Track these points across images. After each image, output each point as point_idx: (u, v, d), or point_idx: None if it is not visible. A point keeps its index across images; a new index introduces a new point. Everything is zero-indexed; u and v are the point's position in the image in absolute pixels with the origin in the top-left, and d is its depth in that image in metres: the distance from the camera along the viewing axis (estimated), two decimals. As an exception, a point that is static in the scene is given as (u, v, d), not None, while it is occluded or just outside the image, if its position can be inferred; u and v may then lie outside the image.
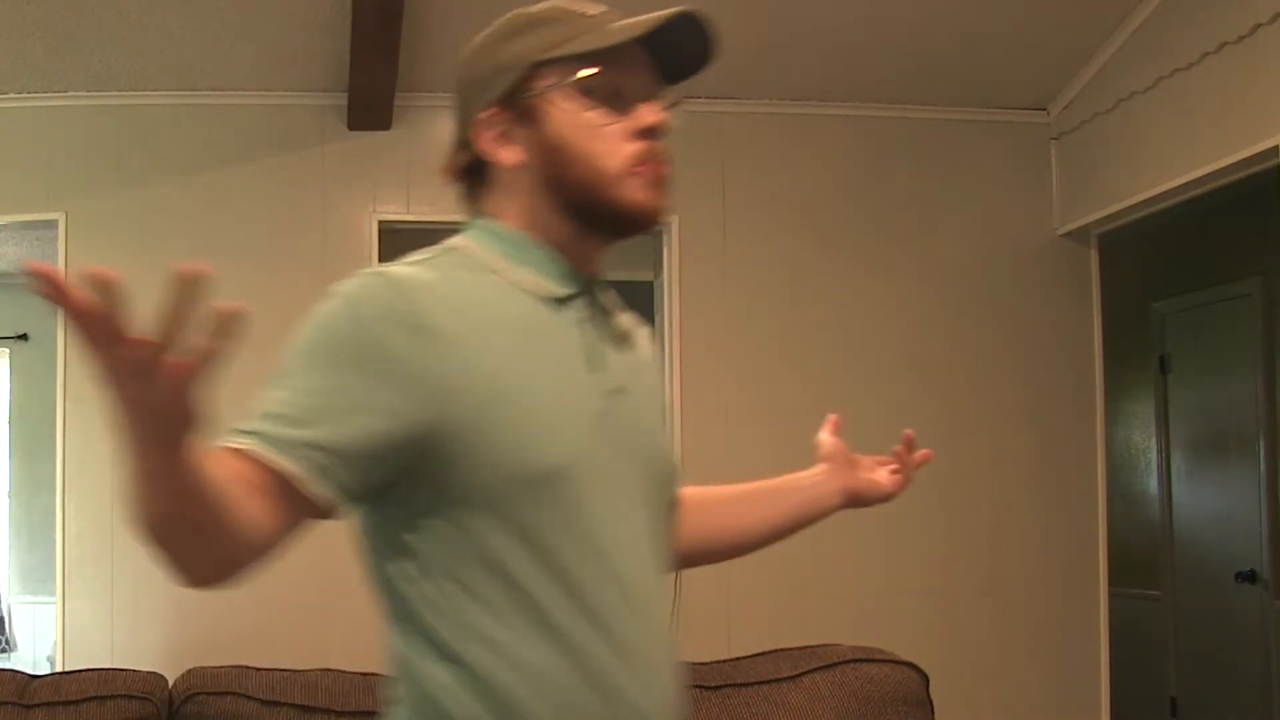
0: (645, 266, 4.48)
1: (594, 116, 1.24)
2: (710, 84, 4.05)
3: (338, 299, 1.27)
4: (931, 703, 2.65)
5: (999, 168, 4.22)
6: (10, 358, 6.70)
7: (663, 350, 4.17)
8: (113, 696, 2.31)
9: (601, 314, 1.30)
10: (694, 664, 2.68)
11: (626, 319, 1.39)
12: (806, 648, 2.72)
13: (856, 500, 1.66)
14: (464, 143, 1.34)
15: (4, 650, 6.22)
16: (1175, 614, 5.55)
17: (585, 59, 1.23)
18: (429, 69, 3.88)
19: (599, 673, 1.18)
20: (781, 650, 2.72)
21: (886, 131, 4.19)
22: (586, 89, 1.24)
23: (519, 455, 1.17)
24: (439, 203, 4.03)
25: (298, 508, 1.18)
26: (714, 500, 1.58)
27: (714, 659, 2.71)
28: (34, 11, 3.44)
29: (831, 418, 1.59)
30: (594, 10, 1.28)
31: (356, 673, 2.68)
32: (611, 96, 1.25)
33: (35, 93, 3.85)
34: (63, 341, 3.85)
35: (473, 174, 1.36)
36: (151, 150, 3.92)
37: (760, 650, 2.75)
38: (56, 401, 3.84)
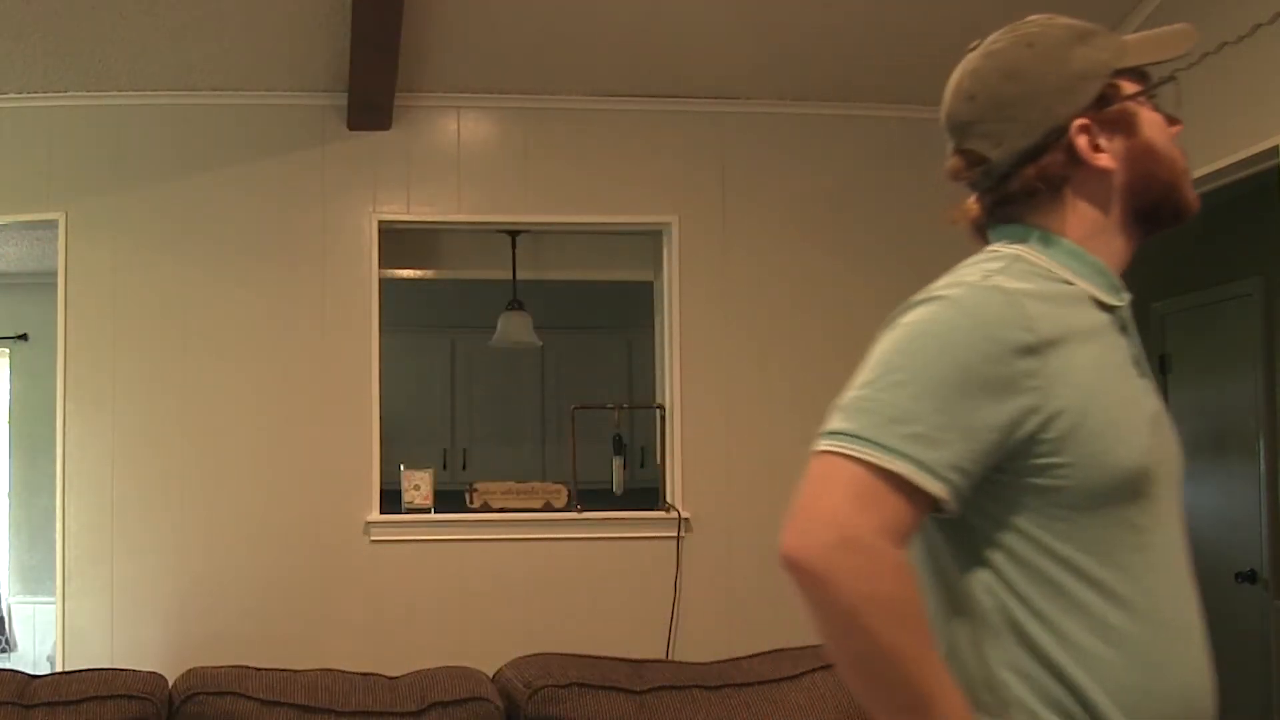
0: (645, 266, 4.48)
1: (1164, 121, 1.43)
2: (710, 84, 4.06)
3: (956, 311, 1.30)
4: (931, 703, 2.65)
5: (999, 168, 4.22)
6: (10, 358, 6.70)
7: (663, 350, 4.17)
8: (113, 696, 2.31)
9: (1131, 322, 1.37)
10: (694, 664, 2.68)
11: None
12: (806, 648, 2.72)
13: None
14: (1031, 151, 1.38)
15: (4, 650, 6.22)
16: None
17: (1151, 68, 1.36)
18: (429, 69, 3.88)
19: (1167, 673, 1.25)
20: (781, 650, 2.72)
21: (886, 131, 4.19)
22: (1154, 96, 1.40)
23: (1114, 456, 1.24)
24: (439, 203, 4.03)
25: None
26: None
27: (714, 659, 2.71)
28: (34, 11, 3.44)
29: None
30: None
31: (356, 673, 2.68)
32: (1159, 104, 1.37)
33: (35, 93, 3.85)
34: (63, 341, 3.85)
35: (1036, 184, 1.38)
36: (151, 150, 3.92)
37: (760, 650, 2.75)
38: (56, 401, 3.84)
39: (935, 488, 1.18)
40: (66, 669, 2.79)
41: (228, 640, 3.65)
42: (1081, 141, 1.34)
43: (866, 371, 1.32)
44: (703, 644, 3.79)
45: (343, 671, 2.59)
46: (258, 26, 3.62)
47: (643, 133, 4.10)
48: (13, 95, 3.85)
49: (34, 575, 6.47)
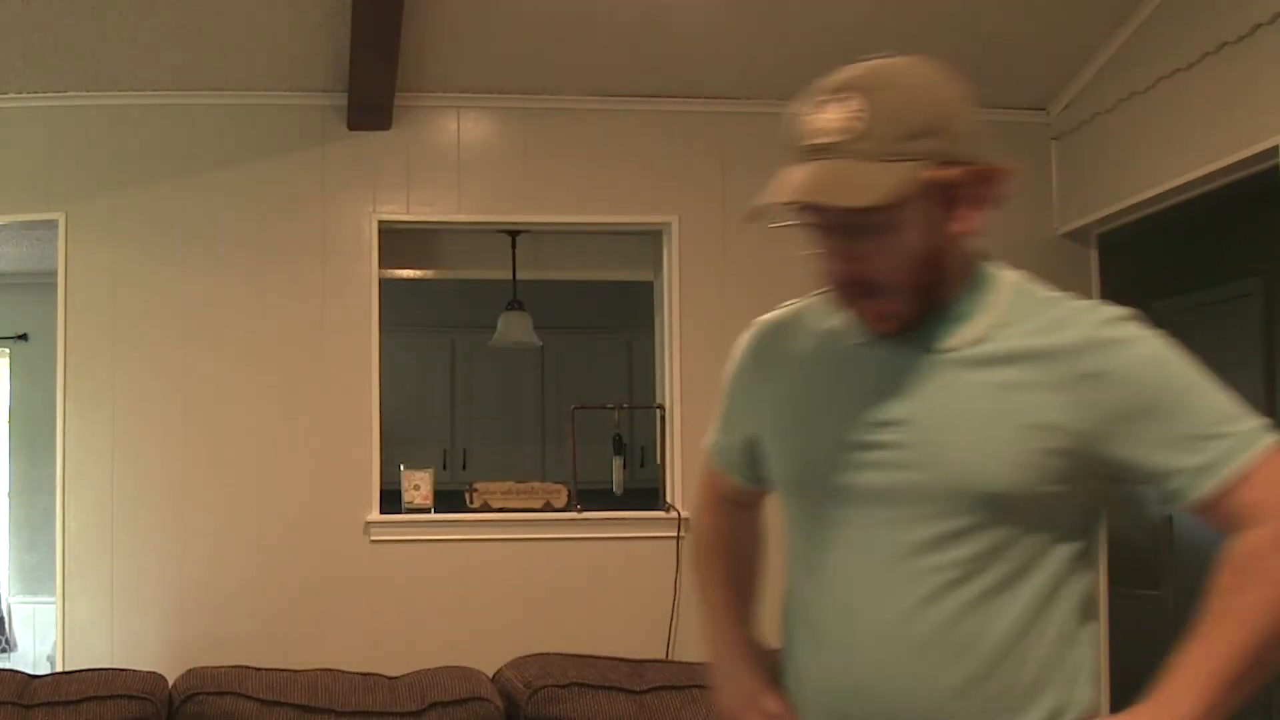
0: (645, 266, 4.48)
1: (814, 245, 1.44)
2: (710, 84, 4.05)
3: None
4: (931, 703, 2.65)
5: (999, 168, 4.22)
6: (10, 358, 6.71)
7: (663, 350, 4.17)
8: (113, 696, 2.31)
9: (906, 354, 1.41)
10: (694, 664, 2.68)
11: (992, 346, 1.40)
12: (806, 648, 2.71)
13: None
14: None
15: (4, 650, 6.22)
16: (1175, 614, 5.55)
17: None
18: (429, 69, 3.88)
19: (792, 646, 1.52)
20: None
21: (886, 131, 4.19)
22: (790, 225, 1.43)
23: (778, 461, 1.52)
24: (439, 203, 4.03)
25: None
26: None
27: (714, 659, 2.70)
28: (34, 11, 3.44)
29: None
30: (802, 128, 1.38)
31: (356, 673, 2.68)
32: (810, 231, 1.42)
33: (35, 93, 3.85)
34: (63, 341, 3.85)
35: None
36: (151, 150, 3.92)
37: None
38: (56, 401, 3.84)
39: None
40: (66, 669, 2.80)
41: (228, 640, 3.65)
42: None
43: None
44: (703, 644, 3.78)
45: (343, 671, 2.59)
46: (258, 26, 3.62)
47: (643, 133, 4.10)
48: (13, 95, 3.85)
49: (34, 575, 6.46)
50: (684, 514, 3.98)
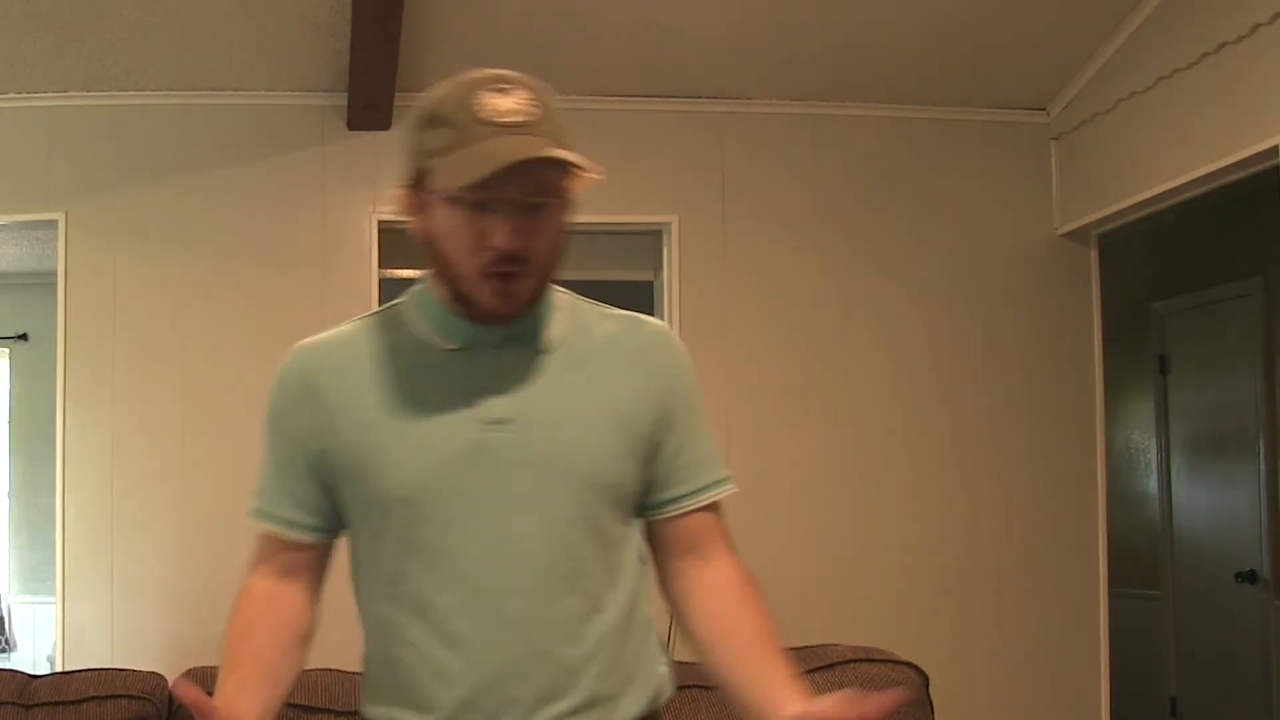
0: (645, 266, 4.48)
1: (457, 223, 1.43)
2: (710, 84, 4.05)
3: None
4: (931, 703, 2.65)
5: (999, 168, 4.22)
6: (10, 358, 6.70)
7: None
8: (113, 696, 2.31)
9: (508, 354, 1.48)
10: (694, 664, 2.68)
11: (578, 345, 1.53)
12: (806, 648, 2.72)
13: None
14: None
15: (4, 650, 6.22)
16: (1175, 614, 5.55)
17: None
18: (429, 69, 3.88)
19: (422, 661, 1.47)
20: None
21: (887, 131, 4.19)
22: (453, 199, 1.42)
23: (376, 486, 1.46)
24: (439, 203, 4.03)
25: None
26: (731, 627, 1.60)
27: (714, 659, 2.70)
28: (34, 11, 3.45)
29: (882, 699, 1.50)
30: (487, 109, 1.41)
31: (356, 673, 2.68)
32: (477, 208, 1.41)
33: (35, 93, 3.85)
34: (63, 341, 3.85)
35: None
36: (151, 150, 3.92)
37: (760, 650, 2.74)
38: (56, 401, 3.84)
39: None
40: (66, 669, 2.79)
41: (228, 640, 3.64)
42: (398, 203, 1.57)
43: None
44: (703, 644, 3.78)
45: (342, 671, 2.58)
46: (258, 26, 3.62)
47: (643, 133, 4.10)
48: (13, 95, 3.85)
49: (34, 575, 6.46)
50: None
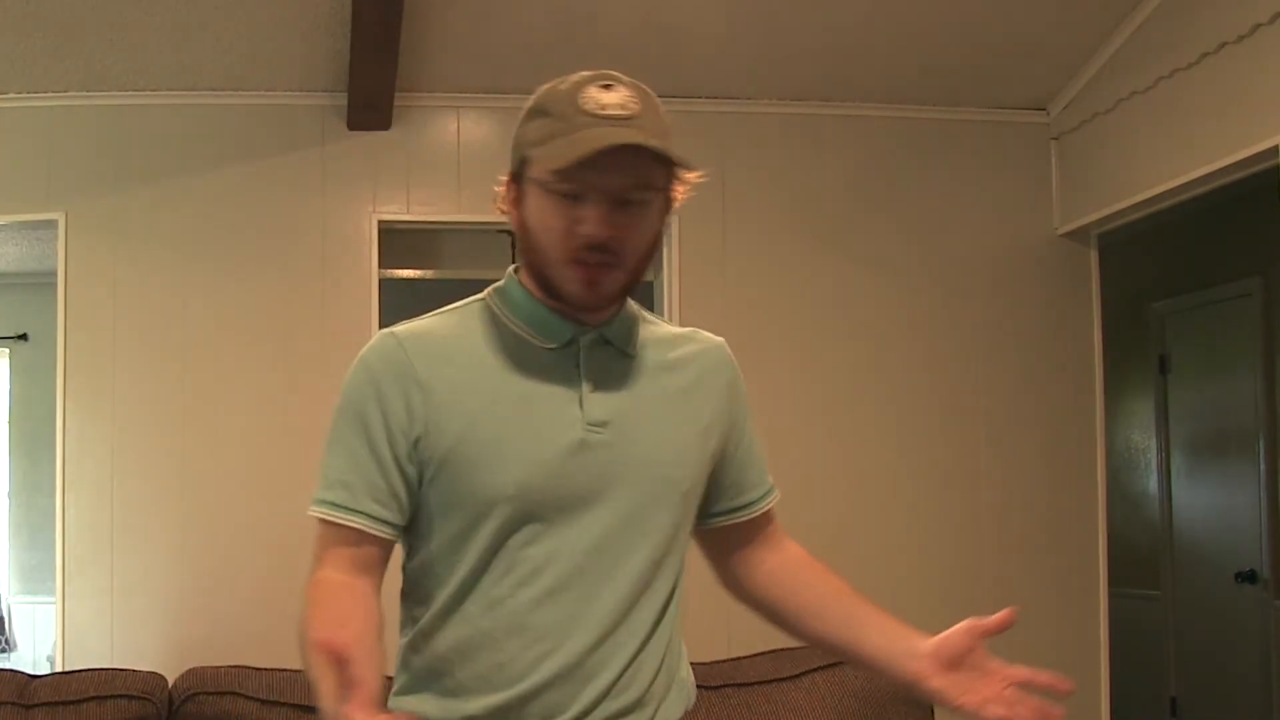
0: (645, 266, 4.49)
1: (551, 211, 1.42)
2: (710, 84, 4.05)
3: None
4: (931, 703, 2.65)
5: (999, 168, 4.22)
6: (10, 358, 6.70)
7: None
8: (113, 696, 2.31)
9: (603, 356, 1.50)
10: (694, 664, 2.68)
11: (659, 354, 1.57)
12: (806, 647, 2.72)
13: (936, 701, 1.63)
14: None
15: (4, 650, 6.22)
16: (1175, 614, 5.55)
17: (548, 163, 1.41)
18: (429, 69, 3.88)
19: (495, 652, 1.46)
20: (781, 650, 2.72)
21: (886, 131, 4.19)
22: (548, 187, 1.41)
23: (481, 482, 1.43)
24: (439, 203, 4.03)
25: None
26: (807, 582, 1.71)
27: (714, 659, 2.71)
28: (34, 11, 3.44)
29: (1000, 617, 1.61)
30: (591, 102, 1.42)
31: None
32: (570, 196, 1.41)
33: (35, 93, 3.85)
34: (63, 341, 3.85)
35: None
36: (151, 150, 3.92)
37: (760, 650, 2.75)
38: (56, 401, 3.84)
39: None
40: (66, 669, 2.79)
41: (228, 640, 3.65)
42: (500, 196, 1.51)
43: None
44: (703, 644, 3.78)
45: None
46: (258, 26, 3.62)
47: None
48: (13, 95, 3.85)
49: (34, 575, 6.46)
50: (684, 514, 3.98)
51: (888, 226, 4.17)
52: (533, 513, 1.44)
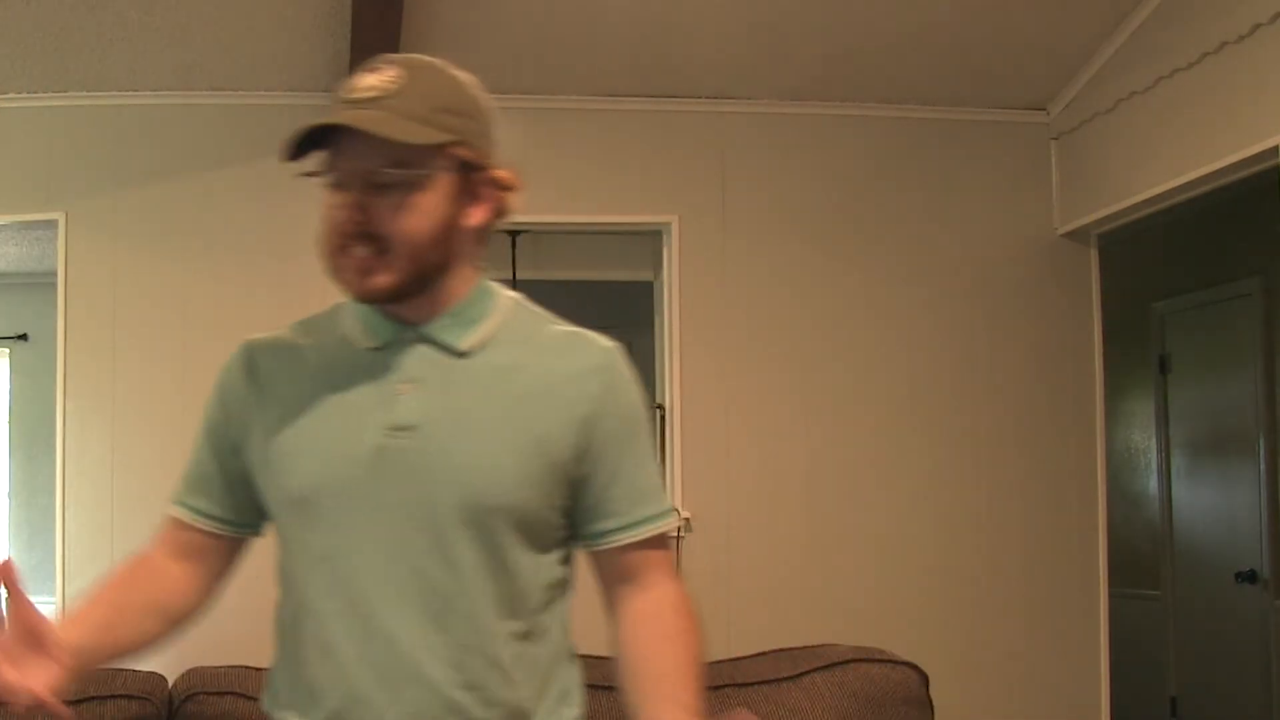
0: (645, 266, 4.48)
1: (324, 203, 1.41)
2: (710, 84, 4.05)
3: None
4: (931, 703, 2.65)
5: (999, 168, 4.22)
6: (10, 358, 6.71)
7: (663, 350, 4.17)
8: (113, 696, 2.31)
9: (427, 357, 1.43)
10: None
11: (505, 357, 1.46)
12: (806, 648, 2.72)
13: None
14: None
15: (4, 650, 6.22)
16: (1175, 614, 5.55)
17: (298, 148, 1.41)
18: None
19: (304, 666, 1.43)
20: (781, 650, 2.72)
21: (886, 131, 4.19)
22: (314, 176, 1.42)
23: (277, 485, 1.45)
24: (439, 203, 4.03)
25: None
26: (636, 642, 1.57)
27: (714, 659, 2.71)
28: (34, 11, 3.45)
29: None
30: (347, 86, 1.45)
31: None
32: (331, 186, 1.41)
33: (35, 93, 3.85)
34: (63, 341, 3.85)
35: None
36: (151, 150, 3.92)
37: (760, 650, 2.75)
38: (56, 401, 3.84)
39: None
40: (66, 669, 2.79)
41: (228, 640, 3.64)
42: None
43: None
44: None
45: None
46: (258, 26, 3.62)
47: (643, 133, 4.10)
48: (13, 95, 3.85)
49: (34, 575, 6.44)
50: (684, 514, 3.98)
51: (888, 226, 4.17)
52: (321, 518, 1.41)
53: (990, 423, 4.15)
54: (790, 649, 2.72)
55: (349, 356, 1.45)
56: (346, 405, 1.42)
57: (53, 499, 3.85)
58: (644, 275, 4.49)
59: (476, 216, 1.46)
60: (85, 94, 3.86)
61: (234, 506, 1.53)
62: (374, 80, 1.42)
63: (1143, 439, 5.80)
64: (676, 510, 4.01)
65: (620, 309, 5.93)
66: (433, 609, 1.38)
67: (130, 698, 2.31)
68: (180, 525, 1.58)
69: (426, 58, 1.45)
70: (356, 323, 1.47)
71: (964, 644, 4.03)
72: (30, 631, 1.32)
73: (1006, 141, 4.23)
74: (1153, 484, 5.71)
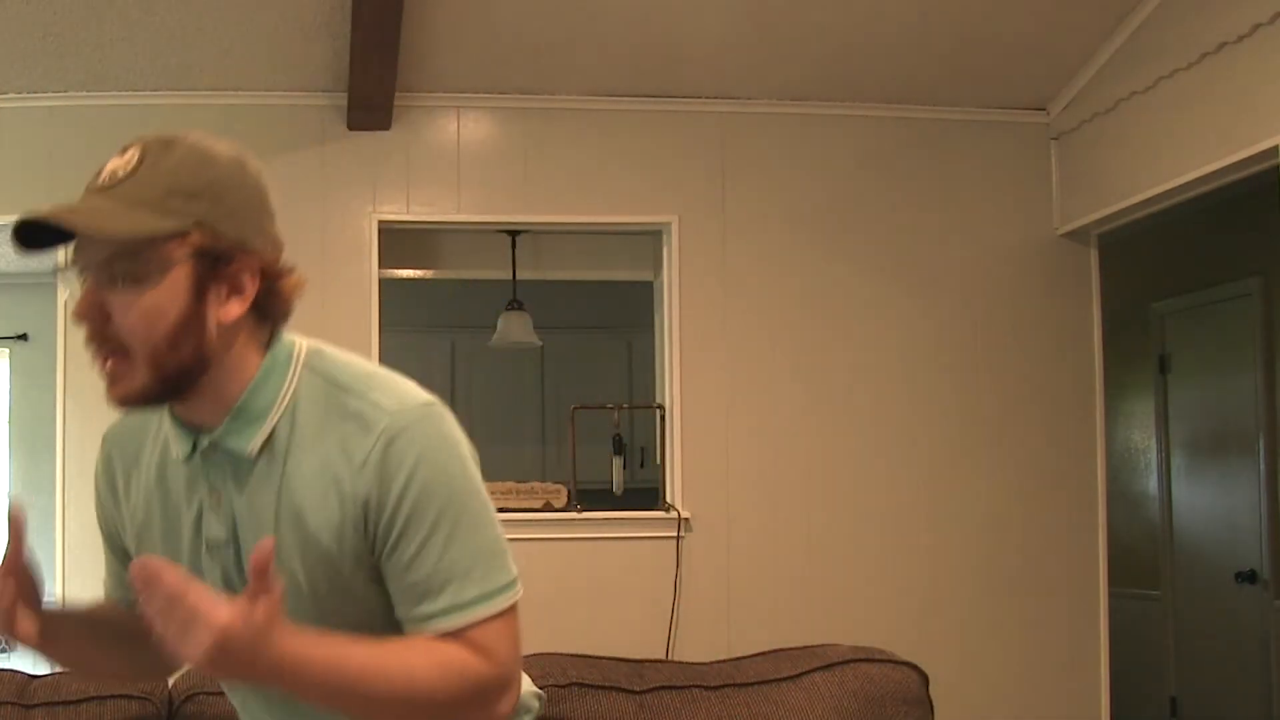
0: (645, 267, 4.49)
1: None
2: (710, 84, 4.06)
3: None
4: (931, 703, 2.65)
5: (999, 168, 4.22)
6: (10, 358, 6.70)
7: (663, 350, 4.17)
8: (113, 696, 2.31)
9: (223, 465, 1.36)
10: (694, 664, 2.68)
11: (296, 453, 1.34)
12: (806, 648, 2.72)
13: None
14: None
15: (4, 650, 6.22)
16: (1175, 614, 5.55)
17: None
18: (429, 69, 3.88)
19: None
20: (781, 650, 2.72)
21: (886, 131, 4.19)
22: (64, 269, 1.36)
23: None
24: (439, 203, 4.03)
25: None
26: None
27: (714, 659, 2.71)
28: (34, 11, 3.45)
29: None
30: (96, 177, 1.34)
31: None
32: (79, 275, 1.32)
33: (35, 93, 3.85)
34: (63, 341, 3.85)
35: None
36: (151, 150, 3.92)
37: (760, 650, 2.75)
38: (56, 401, 3.84)
39: None
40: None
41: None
42: None
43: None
44: (703, 644, 3.79)
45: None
46: (258, 26, 3.62)
47: (643, 133, 4.10)
48: (13, 95, 3.85)
49: (34, 575, 6.45)
50: (684, 514, 3.98)
51: (888, 226, 4.17)
52: None
53: (990, 422, 4.15)
54: (790, 649, 2.72)
55: (170, 467, 1.44)
56: (171, 521, 1.43)
57: (53, 499, 3.85)
58: (644, 275, 4.49)
59: (232, 310, 1.31)
60: (85, 94, 3.86)
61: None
62: (113, 165, 1.32)
63: (1143, 439, 5.80)
64: (673, 507, 4.04)
65: (620, 309, 5.94)
66: (301, 713, 1.37)
67: (130, 698, 2.31)
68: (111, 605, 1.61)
69: (185, 134, 1.34)
70: (171, 430, 1.41)
71: (964, 644, 4.03)
72: (19, 574, 1.39)
73: (1006, 141, 4.23)
74: (1153, 484, 5.71)
